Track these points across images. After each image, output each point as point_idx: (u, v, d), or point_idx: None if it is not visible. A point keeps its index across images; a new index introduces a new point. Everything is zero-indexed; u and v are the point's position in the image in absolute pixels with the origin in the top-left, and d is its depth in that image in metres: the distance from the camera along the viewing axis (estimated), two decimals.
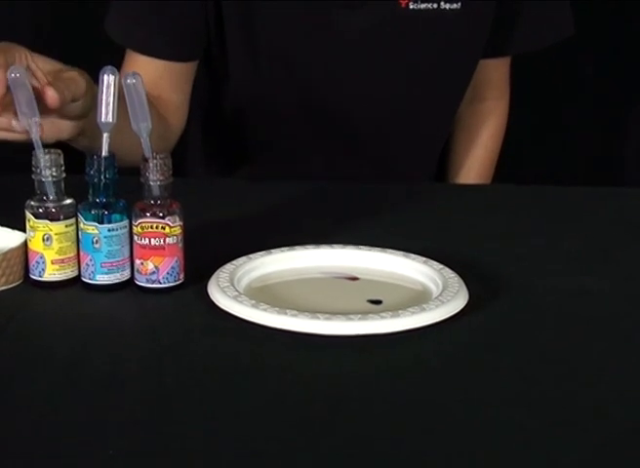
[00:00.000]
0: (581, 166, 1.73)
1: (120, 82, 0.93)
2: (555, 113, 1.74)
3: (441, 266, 0.98)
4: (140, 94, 0.92)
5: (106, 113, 0.93)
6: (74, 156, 0.99)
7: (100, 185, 0.93)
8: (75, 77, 1.01)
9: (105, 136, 0.93)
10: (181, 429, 0.72)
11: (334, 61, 1.34)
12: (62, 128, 1.05)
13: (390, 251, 1.02)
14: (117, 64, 0.98)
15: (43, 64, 1.01)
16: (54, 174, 0.93)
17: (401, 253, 1.01)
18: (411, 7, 1.30)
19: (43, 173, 0.93)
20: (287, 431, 0.73)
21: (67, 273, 0.95)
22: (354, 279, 0.98)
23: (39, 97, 0.95)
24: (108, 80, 0.92)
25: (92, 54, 1.16)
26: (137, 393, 0.78)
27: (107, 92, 0.93)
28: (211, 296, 0.92)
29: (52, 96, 0.96)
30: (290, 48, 1.33)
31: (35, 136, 0.93)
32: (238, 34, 1.32)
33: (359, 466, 0.69)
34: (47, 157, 0.93)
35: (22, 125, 0.93)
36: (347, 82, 1.35)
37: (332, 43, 1.32)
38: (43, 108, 0.95)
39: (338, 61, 1.34)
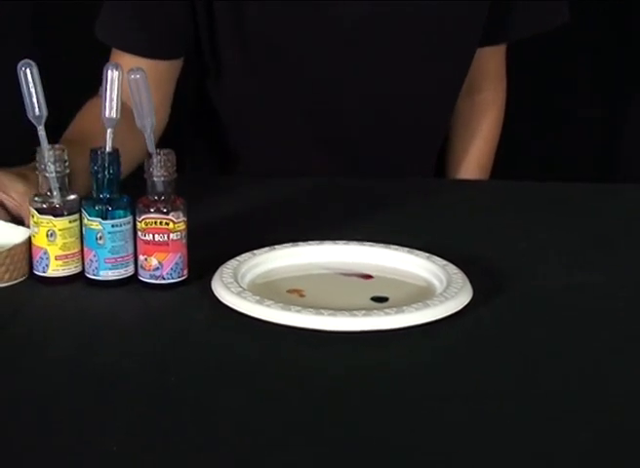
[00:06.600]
0: (580, 162, 1.73)
1: (123, 77, 0.92)
2: (554, 109, 1.73)
3: (445, 262, 0.98)
4: (145, 89, 0.92)
5: (110, 109, 0.93)
6: None
7: (103, 181, 0.93)
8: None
9: (109, 131, 0.93)
10: (184, 425, 0.72)
11: (328, 55, 1.33)
12: None
13: (394, 247, 1.01)
14: None
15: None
16: (58, 169, 0.93)
17: (405, 249, 1.01)
18: None
19: (47, 168, 0.93)
20: (289, 426, 0.72)
21: (71, 269, 0.95)
22: (368, 277, 0.98)
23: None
24: (112, 76, 0.92)
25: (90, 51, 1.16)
26: (140, 389, 0.78)
27: (111, 87, 0.92)
28: (215, 292, 0.92)
29: None
30: (282, 43, 1.31)
31: None
32: (230, 31, 1.31)
33: (362, 462, 0.69)
34: (51, 153, 0.93)
35: None
36: (343, 75, 1.34)
37: (325, 36, 1.31)
38: None
39: (332, 55, 1.33)
